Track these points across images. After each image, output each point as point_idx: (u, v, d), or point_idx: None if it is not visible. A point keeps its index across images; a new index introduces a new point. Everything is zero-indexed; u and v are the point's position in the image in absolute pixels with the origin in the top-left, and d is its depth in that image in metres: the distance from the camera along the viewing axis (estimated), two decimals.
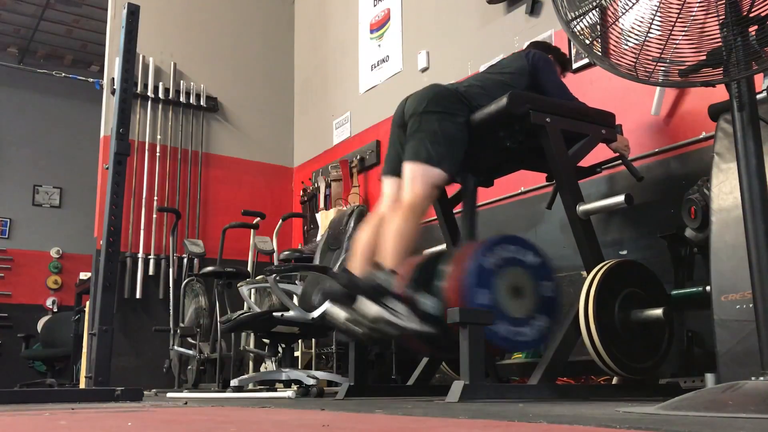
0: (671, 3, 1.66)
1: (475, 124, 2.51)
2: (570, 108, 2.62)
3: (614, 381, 2.63)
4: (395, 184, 2.54)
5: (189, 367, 4.62)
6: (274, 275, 3.19)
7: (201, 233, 5.55)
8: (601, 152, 2.82)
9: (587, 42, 1.79)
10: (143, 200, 5.37)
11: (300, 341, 4.28)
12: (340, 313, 2.19)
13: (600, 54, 1.80)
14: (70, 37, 8.50)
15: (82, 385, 4.93)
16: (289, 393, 3.12)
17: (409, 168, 2.44)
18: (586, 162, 2.81)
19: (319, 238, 4.53)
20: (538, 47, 3.02)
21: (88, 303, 5.29)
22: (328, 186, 5.19)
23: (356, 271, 2.31)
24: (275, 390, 3.84)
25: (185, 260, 5.26)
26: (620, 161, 2.87)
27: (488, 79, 2.68)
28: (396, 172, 2.55)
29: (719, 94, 2.18)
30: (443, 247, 3.10)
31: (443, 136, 2.44)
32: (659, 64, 1.69)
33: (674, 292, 2.63)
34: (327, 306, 2.31)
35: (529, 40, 3.64)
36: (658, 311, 2.31)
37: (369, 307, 2.13)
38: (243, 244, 5.15)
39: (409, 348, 2.69)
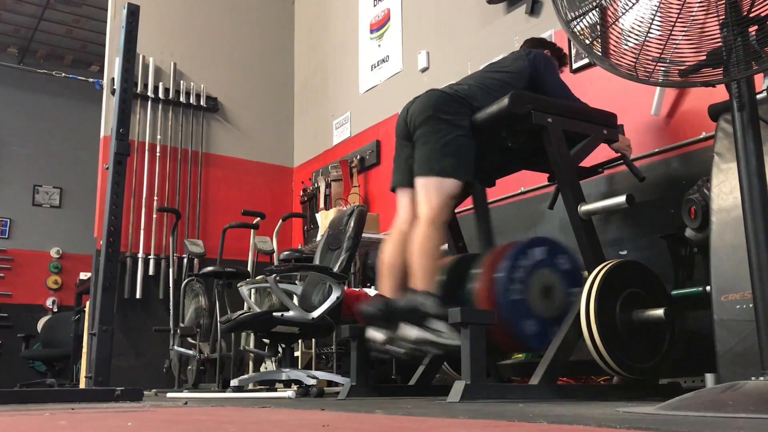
0: (671, 3, 1.66)
1: (476, 124, 2.51)
2: (572, 108, 2.62)
3: (614, 381, 2.63)
4: (410, 196, 2.55)
5: (189, 367, 4.62)
6: (274, 275, 3.19)
7: (201, 233, 5.55)
8: (602, 152, 2.83)
9: (587, 42, 1.79)
10: (143, 200, 5.37)
11: (300, 341, 4.28)
12: (379, 336, 2.26)
13: (600, 54, 1.80)
14: (70, 37, 8.50)
15: (82, 385, 4.93)
16: (289, 393, 3.11)
17: (421, 183, 2.44)
18: (587, 162, 2.81)
19: (319, 238, 4.52)
20: (534, 43, 3.01)
21: (88, 303, 5.29)
22: (328, 186, 5.19)
23: (387, 293, 2.37)
24: (275, 390, 3.84)
25: (185, 260, 5.26)
26: (622, 161, 2.87)
27: (488, 78, 2.68)
28: (409, 183, 2.54)
29: (719, 94, 2.18)
30: (444, 246, 3.09)
31: (452, 146, 2.44)
32: (659, 64, 1.69)
33: (674, 292, 2.63)
34: (366, 330, 2.36)
35: None
36: (659, 311, 2.30)
37: (410, 331, 2.20)
38: (243, 244, 5.15)
39: (451, 359, 2.77)
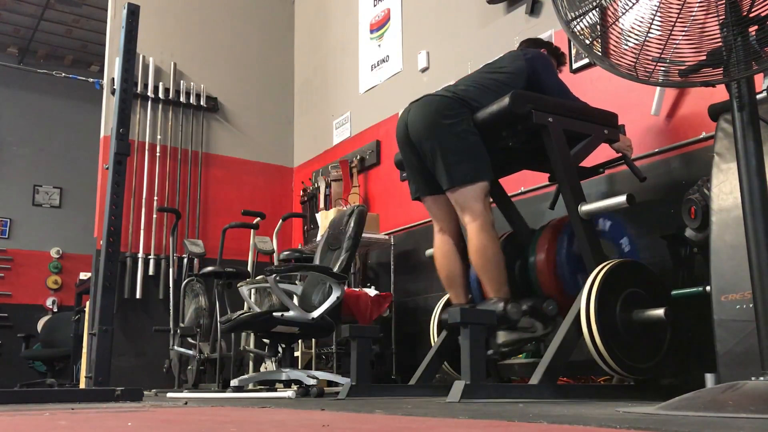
0: (671, 3, 1.66)
1: (477, 123, 2.51)
2: (572, 108, 2.62)
3: (614, 381, 2.63)
4: (436, 202, 2.66)
5: (189, 367, 4.62)
6: (274, 275, 3.19)
7: (201, 233, 5.54)
8: (603, 152, 2.82)
9: (587, 42, 1.79)
10: (143, 200, 5.37)
11: (300, 341, 4.28)
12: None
13: (600, 54, 1.80)
14: (70, 37, 8.50)
15: (82, 385, 4.93)
16: (289, 393, 3.11)
17: (453, 197, 2.52)
18: (588, 162, 2.81)
19: (319, 238, 4.52)
20: (531, 43, 3.01)
21: (88, 303, 5.29)
22: (328, 186, 5.19)
23: (457, 301, 2.61)
24: (275, 390, 3.84)
25: (185, 260, 5.26)
26: (623, 161, 2.86)
27: (485, 78, 2.67)
28: (430, 190, 2.65)
29: (719, 94, 2.18)
30: None
31: (463, 151, 2.47)
32: (659, 64, 1.69)
33: (674, 292, 2.62)
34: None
35: None
36: (659, 311, 2.30)
37: (507, 335, 2.39)
38: (243, 244, 5.15)
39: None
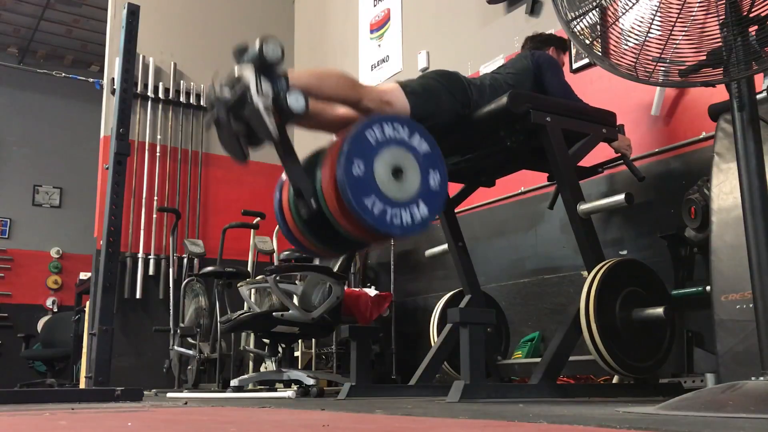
0: (671, 3, 1.66)
1: (475, 122, 2.50)
2: (570, 107, 2.62)
3: (614, 380, 2.63)
4: None
5: (189, 367, 4.62)
6: (274, 275, 3.19)
7: (201, 233, 5.54)
8: (602, 152, 2.82)
9: (587, 42, 1.79)
10: (143, 200, 5.37)
11: (300, 341, 4.28)
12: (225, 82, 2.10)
13: (600, 54, 1.80)
14: (70, 37, 8.50)
15: (82, 385, 4.93)
16: (289, 393, 3.12)
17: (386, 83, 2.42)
18: (588, 162, 2.81)
19: None
20: (535, 42, 3.01)
21: (88, 303, 5.29)
22: None
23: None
24: (275, 390, 3.84)
25: (185, 260, 5.26)
26: (622, 161, 2.87)
27: (495, 79, 2.68)
28: None
29: (719, 94, 2.18)
30: (444, 246, 3.10)
31: (430, 93, 2.41)
32: (659, 64, 1.69)
33: (674, 292, 2.63)
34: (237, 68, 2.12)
35: None
36: (659, 310, 2.30)
37: (245, 69, 2.05)
38: (243, 244, 5.15)
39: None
